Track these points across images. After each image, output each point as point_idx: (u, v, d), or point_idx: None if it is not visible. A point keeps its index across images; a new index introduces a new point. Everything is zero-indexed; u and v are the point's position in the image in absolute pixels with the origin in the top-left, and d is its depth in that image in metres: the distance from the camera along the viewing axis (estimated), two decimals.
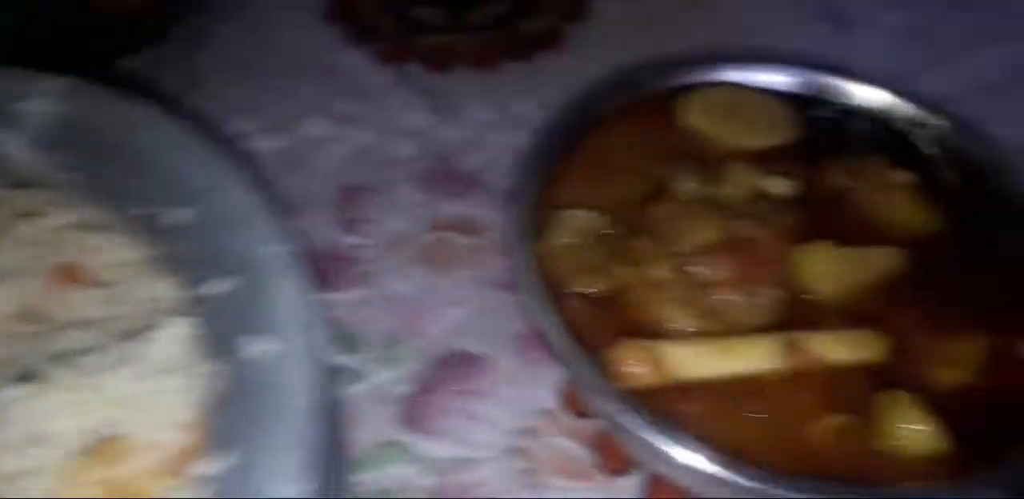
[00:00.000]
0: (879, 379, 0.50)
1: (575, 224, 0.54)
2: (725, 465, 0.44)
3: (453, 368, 0.64)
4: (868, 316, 0.52)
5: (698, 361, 0.48)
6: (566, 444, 0.61)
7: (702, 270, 0.51)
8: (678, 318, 0.51)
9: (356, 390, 0.62)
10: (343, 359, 0.64)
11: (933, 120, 0.62)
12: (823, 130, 0.63)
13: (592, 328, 0.51)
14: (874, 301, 0.53)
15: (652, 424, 0.46)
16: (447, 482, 0.59)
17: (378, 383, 0.63)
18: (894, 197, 0.58)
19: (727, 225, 0.52)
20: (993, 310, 0.53)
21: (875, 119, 0.63)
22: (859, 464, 0.47)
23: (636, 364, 0.47)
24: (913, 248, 0.56)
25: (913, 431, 0.47)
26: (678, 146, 0.61)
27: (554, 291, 0.53)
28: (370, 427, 0.60)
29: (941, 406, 0.49)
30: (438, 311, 0.67)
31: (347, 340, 0.65)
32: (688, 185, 0.56)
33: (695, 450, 0.45)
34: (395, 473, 0.59)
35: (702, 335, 0.50)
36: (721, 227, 0.52)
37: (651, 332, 0.51)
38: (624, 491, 0.58)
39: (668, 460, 0.46)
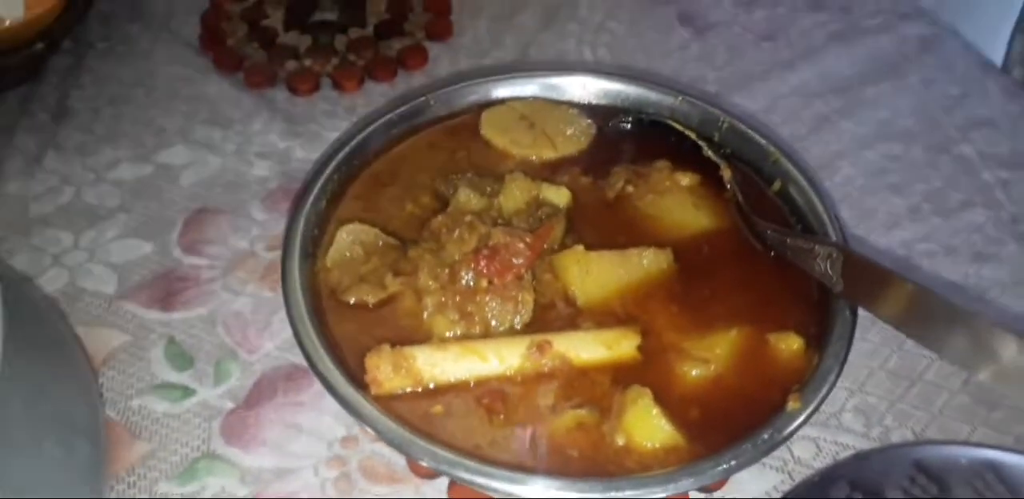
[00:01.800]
0: (626, 376, 0.52)
1: (354, 238, 0.57)
2: (455, 466, 0.46)
3: (281, 381, 0.67)
4: (623, 316, 0.54)
5: (445, 364, 0.50)
6: (383, 451, 0.63)
7: (465, 277, 0.53)
8: (441, 324, 0.53)
9: (183, 406, 0.65)
10: (175, 377, 0.66)
11: (720, 124, 0.64)
12: (615, 139, 0.65)
13: (362, 338, 0.53)
14: (632, 301, 0.55)
15: (395, 428, 0.48)
16: (263, 491, 0.61)
17: (205, 398, 0.65)
18: (672, 199, 0.61)
19: (490, 234, 0.54)
20: (751, 304, 0.55)
21: (665, 126, 0.65)
22: (597, 457, 0.49)
23: (385, 370, 0.50)
24: (683, 248, 0.58)
25: (649, 426, 0.49)
26: (471, 160, 0.64)
27: (331, 302, 0.55)
28: (193, 441, 0.63)
29: (685, 400, 0.51)
30: (271, 328, 0.70)
31: (180, 358, 0.67)
32: (468, 198, 0.58)
33: (428, 455, 0.47)
34: (213, 484, 0.61)
35: (461, 340, 0.52)
36: (485, 236, 0.54)
37: (418, 339, 0.53)
38: (431, 492, 0.61)
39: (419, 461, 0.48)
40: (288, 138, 0.84)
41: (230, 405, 0.65)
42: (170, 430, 0.63)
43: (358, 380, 0.50)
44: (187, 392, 0.65)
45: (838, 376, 0.50)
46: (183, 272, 0.73)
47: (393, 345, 0.51)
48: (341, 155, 0.60)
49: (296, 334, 0.50)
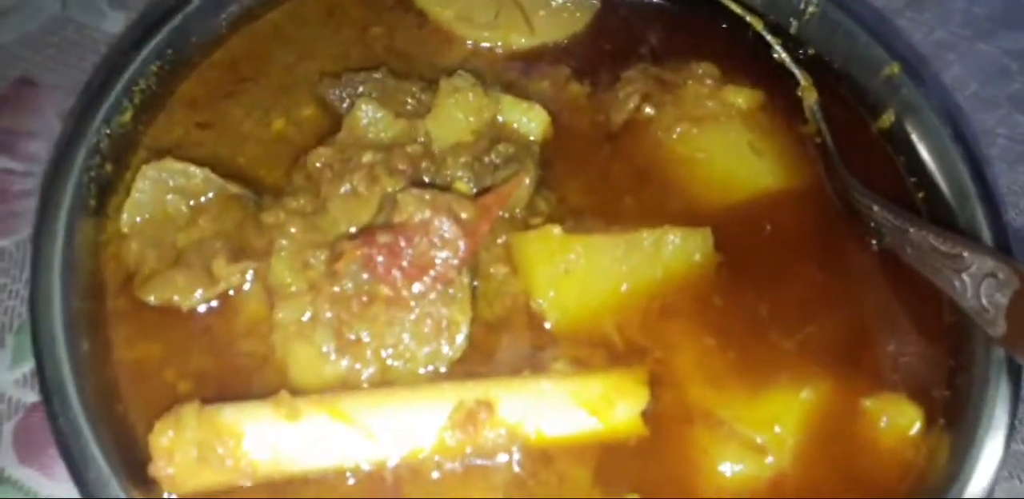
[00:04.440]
0: (619, 470, 0.28)
1: (168, 184, 0.31)
2: None
3: None
4: (623, 349, 0.30)
5: (293, 446, 0.27)
6: None
7: (350, 275, 0.29)
8: (304, 358, 0.29)
9: None
10: None
11: (802, 5, 0.37)
12: (628, 19, 0.38)
13: (166, 373, 0.29)
14: (638, 324, 0.31)
15: None
16: None
17: None
18: (718, 134, 0.35)
19: (402, 197, 0.29)
20: (838, 338, 0.31)
21: (713, 3, 0.38)
22: None
23: (183, 457, 0.26)
24: (731, 224, 0.33)
25: None
26: (392, 45, 0.37)
27: (121, 302, 0.31)
28: None
29: None
30: None
31: None
32: (374, 118, 0.32)
33: None
34: None
35: (333, 395, 0.28)
36: (391, 199, 0.29)
37: (264, 381, 0.29)
38: None
39: None
40: None
41: (32, 398, 0.42)
42: None
43: (142, 468, 0.27)
44: None
45: (991, 491, 0.27)
46: None
47: (207, 400, 0.27)
48: (170, 26, 0.33)
49: (39, 364, 0.26)
